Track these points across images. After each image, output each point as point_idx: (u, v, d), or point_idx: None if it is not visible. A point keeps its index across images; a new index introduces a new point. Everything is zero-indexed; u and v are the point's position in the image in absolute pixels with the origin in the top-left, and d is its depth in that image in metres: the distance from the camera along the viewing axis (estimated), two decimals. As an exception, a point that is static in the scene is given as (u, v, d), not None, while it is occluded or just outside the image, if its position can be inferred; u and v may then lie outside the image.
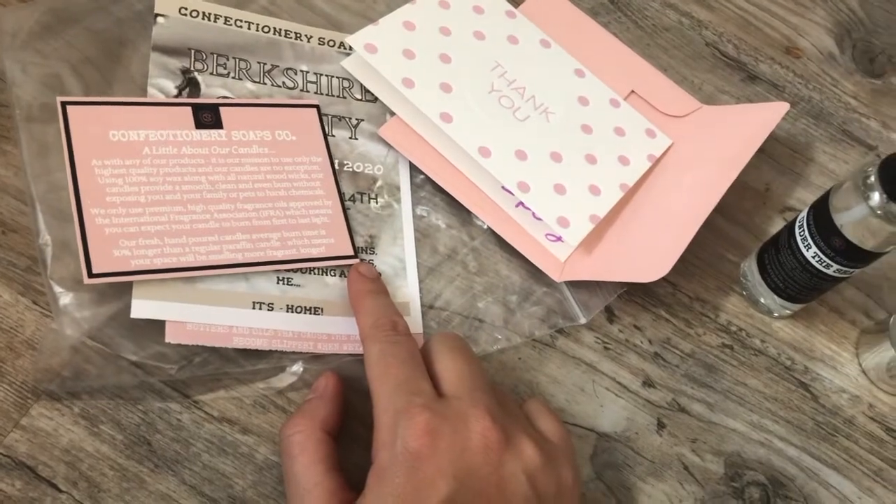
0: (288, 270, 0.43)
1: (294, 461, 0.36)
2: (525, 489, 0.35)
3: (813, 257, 0.45)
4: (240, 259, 0.42)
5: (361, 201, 0.47)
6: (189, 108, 0.45)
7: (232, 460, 0.40)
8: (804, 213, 0.46)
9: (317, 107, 0.48)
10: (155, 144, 0.43)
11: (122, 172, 0.42)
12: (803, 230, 0.46)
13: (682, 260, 0.49)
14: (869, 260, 0.44)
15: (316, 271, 0.44)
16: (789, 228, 0.47)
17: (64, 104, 0.42)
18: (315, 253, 0.44)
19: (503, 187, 0.48)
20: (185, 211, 0.42)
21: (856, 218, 0.43)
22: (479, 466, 0.34)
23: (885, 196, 0.41)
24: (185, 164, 0.43)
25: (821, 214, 0.44)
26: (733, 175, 0.48)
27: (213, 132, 0.45)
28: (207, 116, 0.45)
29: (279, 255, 0.43)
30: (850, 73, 0.62)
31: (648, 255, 0.46)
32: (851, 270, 0.45)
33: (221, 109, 0.46)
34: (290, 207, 0.45)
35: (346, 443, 0.39)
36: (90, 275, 0.38)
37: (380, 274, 0.43)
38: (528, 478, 0.35)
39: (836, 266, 0.45)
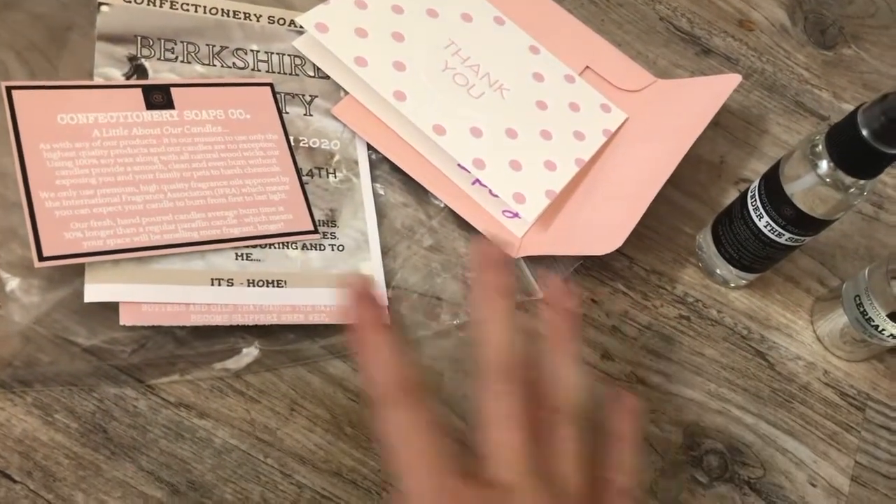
0: (245, 247, 0.42)
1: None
2: None
3: (765, 227, 0.46)
4: (195, 237, 0.42)
5: (320, 176, 0.47)
6: (139, 90, 0.45)
7: (190, 445, 0.39)
8: (756, 184, 0.47)
9: (270, 85, 0.48)
10: (105, 126, 0.43)
11: (71, 155, 0.41)
12: (755, 200, 0.46)
13: (639, 233, 0.50)
14: (819, 228, 0.45)
15: (277, 245, 0.43)
16: (742, 199, 0.48)
17: (9, 88, 0.42)
18: (273, 229, 0.44)
19: (459, 165, 0.48)
20: (138, 192, 0.42)
21: (805, 186, 0.43)
22: None
23: (832, 164, 0.42)
24: (137, 146, 0.43)
25: (772, 184, 0.45)
26: (685, 147, 0.48)
27: (165, 112, 0.45)
28: (158, 97, 0.45)
29: (236, 233, 0.43)
30: (802, 45, 0.63)
31: (602, 228, 0.46)
32: (803, 239, 0.46)
33: (173, 90, 0.45)
34: (245, 185, 0.44)
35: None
36: (40, 258, 0.38)
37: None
38: None
39: (787, 235, 0.45)
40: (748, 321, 0.51)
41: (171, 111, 0.45)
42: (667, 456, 0.45)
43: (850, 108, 0.61)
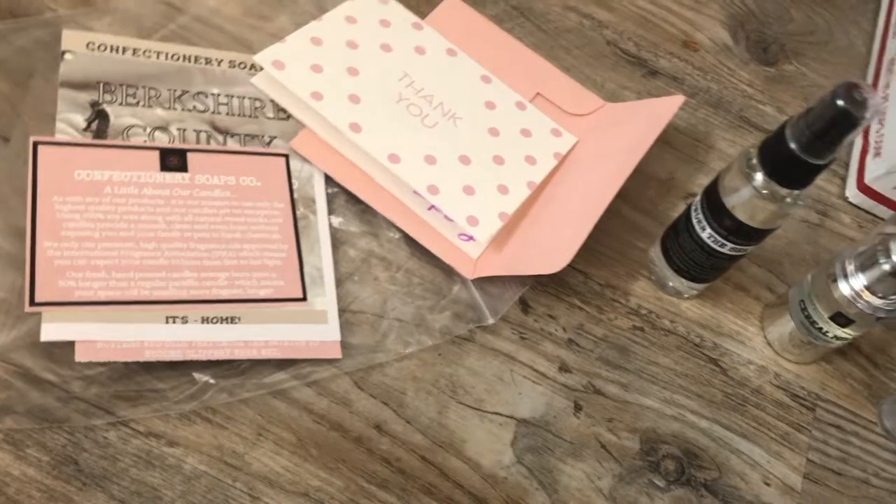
0: (231, 308, 0.44)
1: None
2: None
3: (708, 238, 0.48)
4: (184, 296, 0.43)
5: (279, 214, 0.49)
6: (157, 152, 0.47)
7: (160, 472, 0.41)
8: (698, 198, 0.49)
9: (286, 156, 0.50)
10: (118, 184, 0.45)
11: (80, 209, 0.43)
12: (698, 213, 0.48)
13: (592, 250, 0.52)
14: (760, 237, 0.47)
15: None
16: (687, 213, 0.50)
17: (35, 143, 0.44)
18: (262, 294, 0.45)
19: (415, 191, 0.50)
20: (137, 248, 0.44)
21: (743, 198, 0.45)
22: None
23: (765, 176, 0.44)
24: (145, 204, 0.45)
25: (712, 197, 0.47)
26: (631, 166, 0.51)
27: (178, 175, 0.47)
28: (174, 160, 0.47)
29: (224, 294, 0.44)
30: (745, 63, 0.66)
31: (552, 247, 0.48)
32: (745, 248, 0.48)
33: (189, 154, 0.48)
34: (243, 249, 0.46)
35: (269, 446, 0.41)
36: (32, 303, 0.40)
37: None
38: None
39: (730, 245, 0.47)
40: (700, 330, 0.53)
41: (185, 174, 0.47)
42: (624, 462, 0.47)
43: (792, 121, 0.64)
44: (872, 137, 0.61)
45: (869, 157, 0.60)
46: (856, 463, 0.51)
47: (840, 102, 0.39)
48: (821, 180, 0.62)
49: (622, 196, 0.55)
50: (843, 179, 0.62)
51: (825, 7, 0.72)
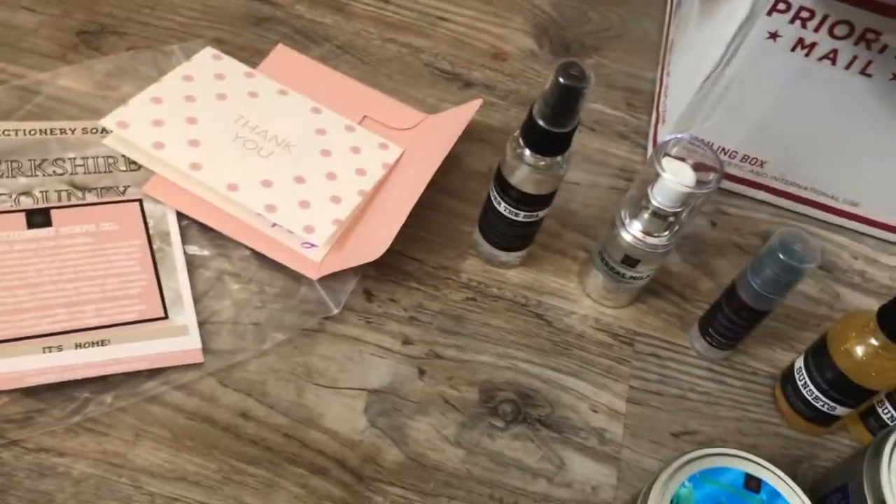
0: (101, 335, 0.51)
1: None
2: None
3: (505, 210, 0.56)
4: (57, 329, 0.51)
5: (141, 251, 0.56)
6: (23, 214, 0.55)
7: (51, 480, 0.47)
8: (493, 181, 0.58)
9: (139, 200, 0.58)
10: None
11: None
12: (494, 192, 0.57)
13: (425, 239, 0.60)
14: (544, 202, 0.56)
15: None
16: (489, 194, 0.58)
17: None
18: (128, 318, 0.52)
19: (258, 213, 0.58)
20: (11, 295, 0.51)
21: (522, 173, 0.54)
22: None
23: (531, 152, 0.52)
24: (15, 258, 0.53)
25: (500, 177, 0.56)
26: (439, 161, 0.59)
27: (43, 230, 0.54)
28: (39, 218, 0.55)
29: (93, 322, 0.52)
30: (549, 64, 0.75)
31: (375, 239, 0.56)
32: (536, 214, 0.56)
33: (52, 211, 0.55)
34: (107, 283, 0.53)
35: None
36: None
37: None
38: None
39: (522, 213, 0.56)
40: (526, 292, 0.61)
41: (49, 228, 0.54)
42: (466, 411, 0.55)
43: (597, 107, 0.73)
44: (662, 109, 0.71)
45: (660, 126, 0.70)
46: (673, 383, 0.59)
47: (562, 80, 0.48)
48: (625, 151, 0.71)
49: (448, 191, 0.64)
50: (645, 148, 0.72)
51: (618, 4, 0.82)
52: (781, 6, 0.56)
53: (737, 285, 0.56)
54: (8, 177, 0.56)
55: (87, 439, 0.49)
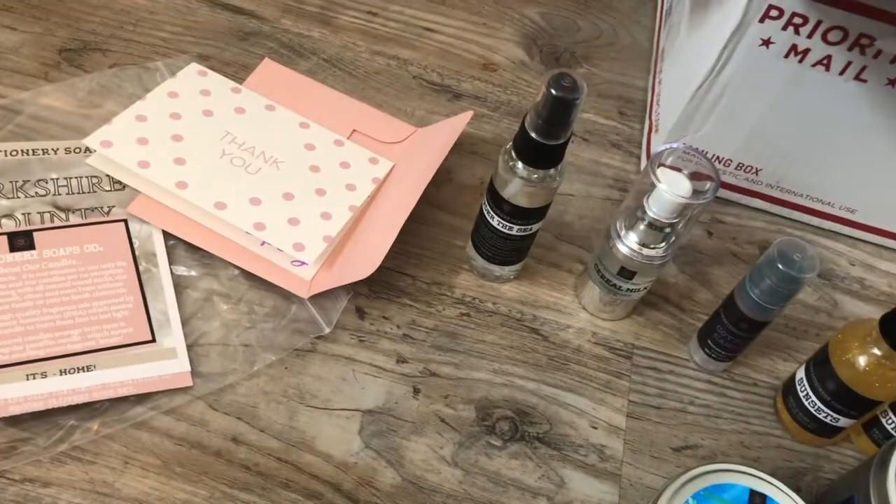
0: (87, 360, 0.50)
1: None
2: None
3: (498, 224, 0.55)
4: (41, 354, 0.49)
5: (126, 272, 0.55)
6: (5, 237, 0.53)
7: (37, 511, 0.46)
8: (485, 194, 0.57)
9: (124, 220, 0.56)
10: None
11: None
12: (486, 206, 0.56)
13: (417, 255, 0.59)
14: (538, 216, 0.55)
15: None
16: (481, 207, 0.57)
17: None
18: (114, 342, 0.51)
19: (246, 231, 0.57)
20: None
21: (514, 187, 0.53)
22: None
23: (524, 165, 0.52)
24: None
25: (492, 191, 0.55)
26: (430, 175, 0.58)
27: (26, 253, 0.53)
28: (21, 241, 0.53)
29: (78, 348, 0.50)
30: (540, 74, 0.74)
31: (366, 255, 0.55)
32: (530, 227, 0.55)
33: (35, 234, 0.54)
34: (92, 306, 0.52)
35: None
36: None
37: None
38: None
39: (516, 227, 0.55)
40: (521, 306, 0.60)
41: (32, 251, 0.53)
42: (463, 430, 0.54)
43: (589, 117, 0.73)
44: (654, 118, 0.70)
45: (653, 135, 0.69)
46: (672, 396, 0.58)
47: (554, 91, 0.47)
48: (618, 161, 0.70)
49: (440, 205, 0.63)
50: (638, 157, 0.71)
51: (608, 13, 0.82)
52: (774, 13, 0.55)
53: (735, 296, 0.55)
54: (-11, 199, 0.55)
55: (73, 468, 0.47)
